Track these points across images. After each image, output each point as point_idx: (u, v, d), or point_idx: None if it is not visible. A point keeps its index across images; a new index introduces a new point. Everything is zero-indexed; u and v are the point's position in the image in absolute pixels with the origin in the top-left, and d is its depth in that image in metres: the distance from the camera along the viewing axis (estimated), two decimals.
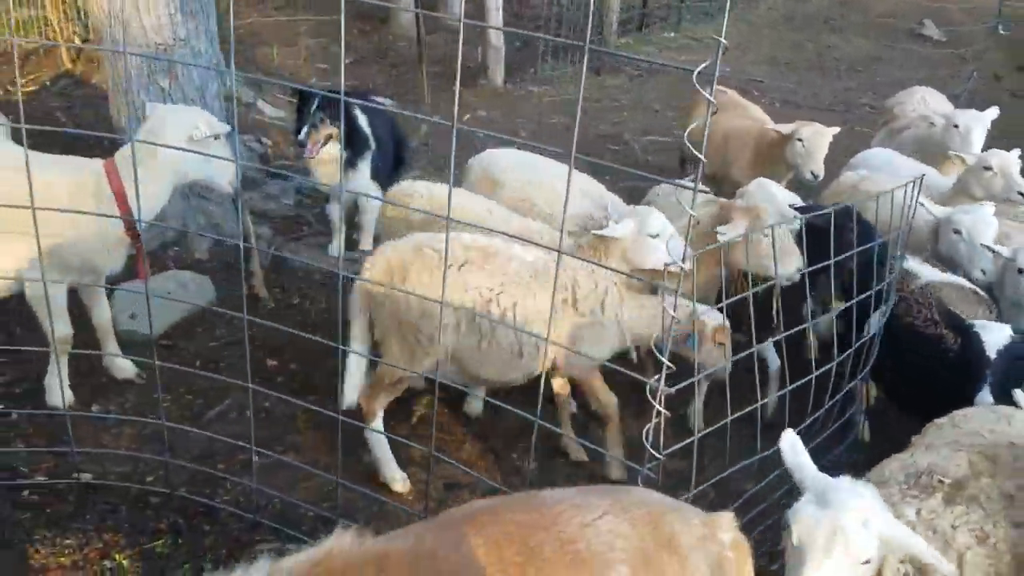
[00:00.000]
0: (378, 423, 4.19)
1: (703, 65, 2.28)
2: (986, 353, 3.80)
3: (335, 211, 6.30)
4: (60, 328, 4.26)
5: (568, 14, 12.41)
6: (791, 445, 2.75)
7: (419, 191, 4.81)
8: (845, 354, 3.99)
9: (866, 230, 4.30)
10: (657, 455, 2.79)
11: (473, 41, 11.16)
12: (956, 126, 6.37)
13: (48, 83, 8.41)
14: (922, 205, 4.72)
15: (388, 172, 6.47)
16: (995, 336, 3.86)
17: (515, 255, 4.00)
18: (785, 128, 6.46)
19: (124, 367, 4.78)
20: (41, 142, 4.31)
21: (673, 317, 2.74)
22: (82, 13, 9.33)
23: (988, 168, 5.54)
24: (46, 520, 3.77)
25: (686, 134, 2.37)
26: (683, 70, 2.38)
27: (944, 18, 16.85)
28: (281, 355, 5.26)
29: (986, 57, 14.17)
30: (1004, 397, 3.58)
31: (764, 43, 15.03)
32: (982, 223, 4.81)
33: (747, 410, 3.56)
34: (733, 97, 7.51)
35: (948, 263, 4.87)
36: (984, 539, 2.77)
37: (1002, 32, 15.87)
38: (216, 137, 4.24)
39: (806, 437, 3.89)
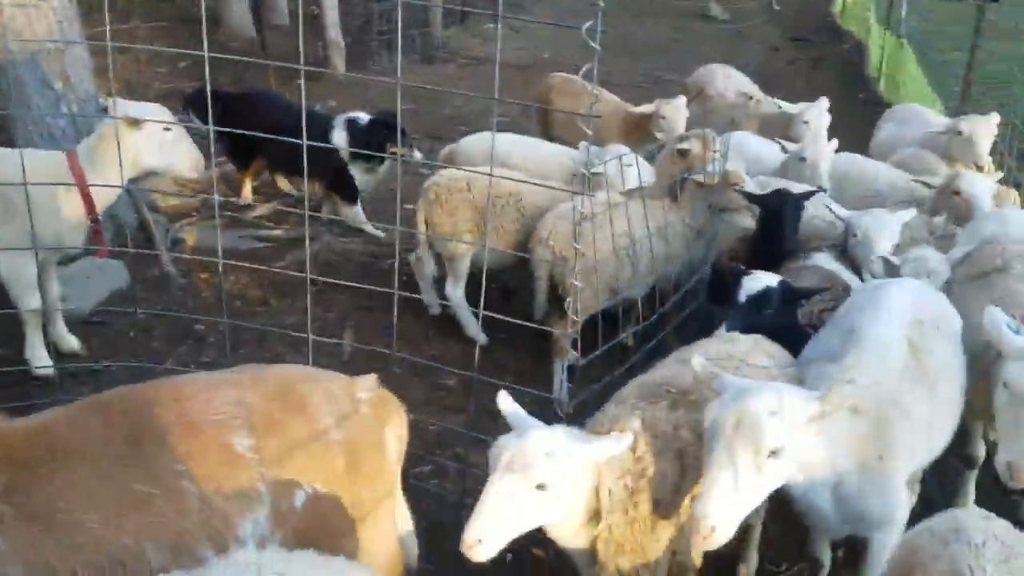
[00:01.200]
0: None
1: (589, 23, 3.22)
2: (738, 297, 4.12)
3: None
4: (34, 300, 4.74)
5: (395, 9, 13.18)
6: (508, 402, 3.12)
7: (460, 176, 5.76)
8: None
9: None
10: (575, 317, 3.72)
11: (313, 37, 11.74)
12: (806, 121, 7.12)
13: None
14: (828, 208, 5.18)
15: None
16: (754, 284, 4.11)
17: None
18: (647, 108, 7.47)
19: (71, 341, 5.22)
20: None
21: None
22: None
23: (802, 159, 5.98)
24: None
25: (591, 108, 3.32)
26: (571, 28, 3.28)
27: None
28: (204, 322, 5.82)
29: (764, 31, 16.14)
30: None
31: (575, 32, 16.38)
32: (876, 227, 4.78)
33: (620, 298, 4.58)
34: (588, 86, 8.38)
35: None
36: (701, 435, 3.06)
37: (776, 8, 18.05)
38: (167, 128, 4.70)
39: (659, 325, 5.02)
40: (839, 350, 3.37)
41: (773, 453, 2.73)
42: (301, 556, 2.13)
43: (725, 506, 2.70)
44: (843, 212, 5.06)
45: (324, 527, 2.67)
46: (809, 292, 4.24)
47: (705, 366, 3.08)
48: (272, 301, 6.12)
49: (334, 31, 11.42)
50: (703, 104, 8.38)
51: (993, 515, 2.59)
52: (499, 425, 4.91)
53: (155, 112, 4.78)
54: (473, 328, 5.71)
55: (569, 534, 3.05)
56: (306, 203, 3.93)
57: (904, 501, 3.32)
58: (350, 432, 2.81)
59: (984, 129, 6.31)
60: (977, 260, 4.42)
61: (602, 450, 2.90)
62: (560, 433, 2.87)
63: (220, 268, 4.06)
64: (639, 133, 7.60)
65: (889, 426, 3.18)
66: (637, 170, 5.19)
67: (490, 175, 3.63)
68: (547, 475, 2.72)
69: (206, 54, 3.62)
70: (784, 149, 6.38)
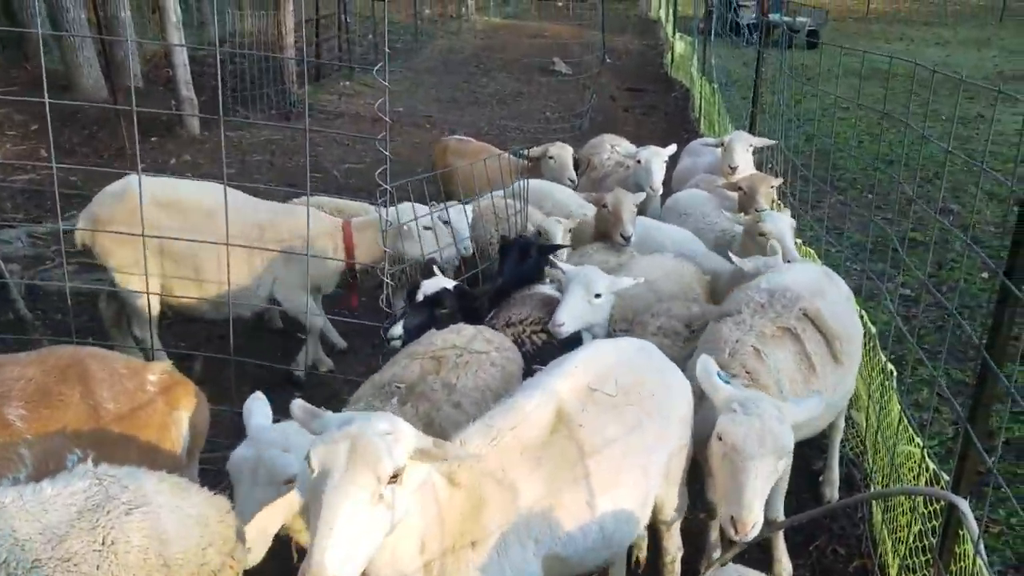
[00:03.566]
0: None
1: (379, 64, 3.94)
2: (416, 297, 4.51)
3: None
4: (318, 321, 5.91)
5: (249, 68, 13.73)
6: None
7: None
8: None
9: None
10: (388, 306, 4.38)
11: (166, 96, 12.11)
12: (639, 161, 7.10)
13: None
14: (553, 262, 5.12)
15: None
16: (430, 286, 4.50)
17: None
18: (536, 151, 7.87)
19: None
20: None
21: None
22: None
23: (604, 206, 5.72)
24: None
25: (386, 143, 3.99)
26: (366, 68, 3.98)
27: (568, 54, 20.34)
28: None
29: (602, 82, 17.45)
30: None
31: (427, 85, 17.34)
32: (577, 282, 4.53)
33: None
34: (484, 144, 8.82)
35: None
36: (431, 423, 3.23)
37: (608, 61, 19.51)
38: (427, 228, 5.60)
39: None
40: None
41: (394, 478, 2.33)
42: (126, 469, 2.57)
43: (345, 549, 2.19)
44: (564, 266, 4.79)
45: None
46: (484, 293, 4.70)
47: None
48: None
49: (186, 89, 11.84)
50: (589, 173, 8.46)
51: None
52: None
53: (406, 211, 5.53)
54: (334, 335, 6.51)
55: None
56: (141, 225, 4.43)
57: None
58: (128, 405, 3.12)
59: (738, 140, 7.16)
60: (726, 302, 4.24)
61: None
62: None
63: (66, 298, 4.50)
64: (531, 174, 7.76)
65: (484, 509, 2.72)
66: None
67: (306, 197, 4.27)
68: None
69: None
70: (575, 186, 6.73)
